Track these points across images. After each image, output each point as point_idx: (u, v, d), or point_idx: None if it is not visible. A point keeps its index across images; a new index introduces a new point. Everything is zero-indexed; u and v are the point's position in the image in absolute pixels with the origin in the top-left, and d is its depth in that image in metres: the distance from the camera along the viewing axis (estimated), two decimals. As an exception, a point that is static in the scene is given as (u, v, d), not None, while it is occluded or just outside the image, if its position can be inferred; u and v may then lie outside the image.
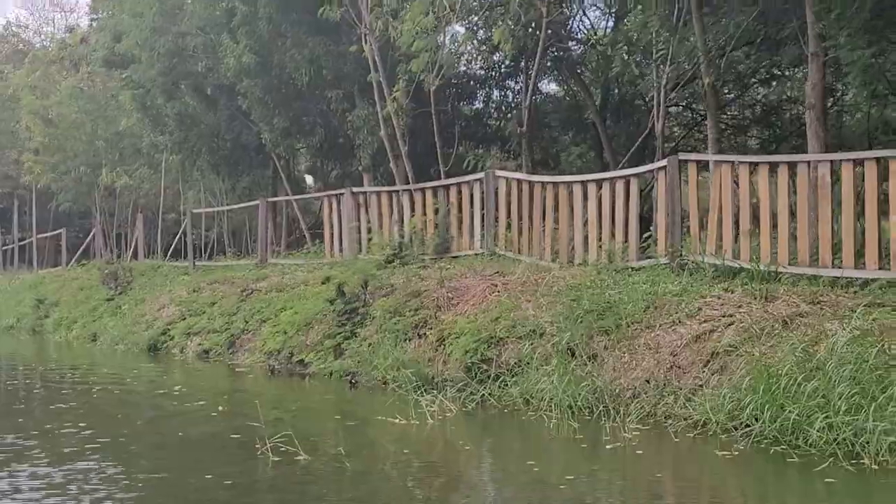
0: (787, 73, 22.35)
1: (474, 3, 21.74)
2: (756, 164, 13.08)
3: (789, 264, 12.20)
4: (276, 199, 26.57)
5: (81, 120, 34.49)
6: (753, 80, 23.43)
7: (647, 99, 23.15)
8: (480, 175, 17.48)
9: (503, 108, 27.40)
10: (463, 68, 25.87)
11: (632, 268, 13.87)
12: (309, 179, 24.01)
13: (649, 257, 14.05)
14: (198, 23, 26.08)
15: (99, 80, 35.52)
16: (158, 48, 26.44)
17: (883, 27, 14.61)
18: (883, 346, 8.84)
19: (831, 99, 20.24)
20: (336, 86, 24.06)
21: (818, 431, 8.33)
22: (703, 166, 13.94)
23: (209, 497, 8.01)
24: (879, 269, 11.29)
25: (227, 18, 24.57)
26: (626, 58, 20.28)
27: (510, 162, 25.51)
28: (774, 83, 23.70)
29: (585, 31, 25.34)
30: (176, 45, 26.32)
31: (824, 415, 8.37)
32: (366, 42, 20.73)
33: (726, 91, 24.13)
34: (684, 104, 25.23)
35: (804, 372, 8.96)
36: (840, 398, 8.38)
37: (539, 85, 27.26)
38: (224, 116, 27.32)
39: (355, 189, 20.75)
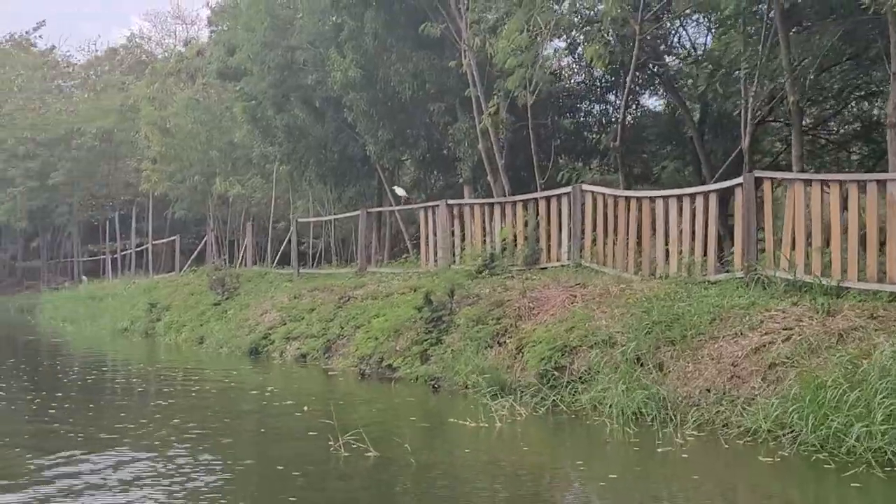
0: (885, 89, 22.40)
1: (573, 19, 22.16)
2: (828, 182, 13.34)
3: (858, 280, 12.47)
4: (376, 209, 27.31)
5: (197, 130, 35.76)
6: (854, 95, 23.48)
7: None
8: (568, 189, 17.98)
9: (603, 121, 27.75)
10: (563, 83, 26.33)
11: (709, 281, 14.23)
12: (399, 191, 24.66)
13: (727, 271, 14.40)
14: (307, 37, 26.97)
15: (214, 92, 36.74)
16: (269, 62, 27.36)
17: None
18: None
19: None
20: (438, 99, 24.74)
21: (856, 440, 8.70)
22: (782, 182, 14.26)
23: (284, 485, 8.74)
24: (944, 286, 11.55)
25: (334, 33, 25.39)
26: (711, 76, 20.51)
27: (609, 176, 25.86)
28: (877, 100, 23.72)
29: (685, 47, 25.58)
30: (286, 58, 27.20)
31: (863, 424, 8.72)
32: (465, 58, 21.39)
33: (827, 107, 24.26)
34: (783, 120, 25.31)
35: (849, 383, 9.31)
36: (879, 408, 8.73)
37: (639, 99, 27.66)
38: (331, 128, 28.13)
39: (450, 201, 21.39)
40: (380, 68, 24.77)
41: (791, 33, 18.02)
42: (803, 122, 25.11)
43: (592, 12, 21.06)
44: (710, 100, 24.42)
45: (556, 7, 21.25)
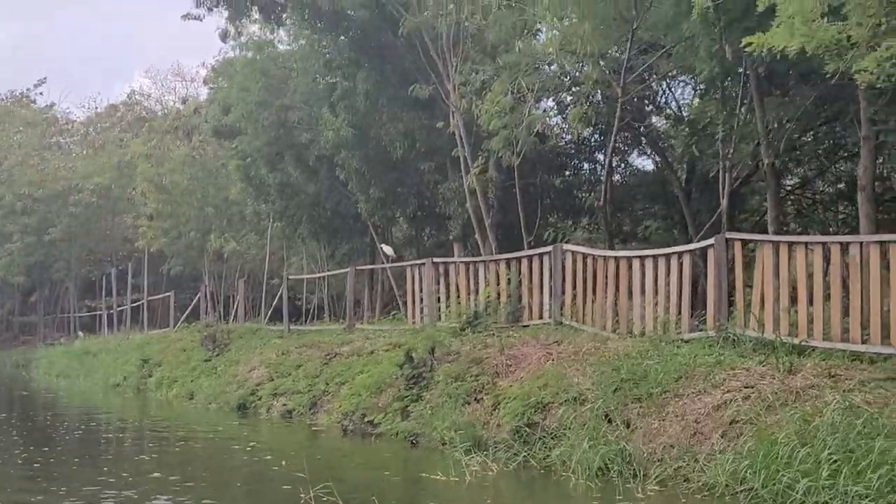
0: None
1: (562, 80, 22.60)
2: (794, 243, 13.70)
3: (823, 339, 12.81)
4: (365, 267, 27.65)
5: (193, 187, 36.18)
6: (837, 156, 23.88)
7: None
8: (549, 248, 18.33)
9: (592, 180, 28.14)
10: (551, 142, 26.77)
11: (683, 339, 14.55)
12: (387, 250, 25.04)
13: (700, 330, 14.72)
14: (300, 97, 27.46)
15: (210, 149, 37.14)
16: (263, 120, 27.76)
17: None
18: (872, 416, 9.44)
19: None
20: (429, 158, 25.23)
21: (802, 495, 8.99)
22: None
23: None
24: (903, 345, 11.88)
25: (327, 93, 25.85)
26: (689, 137, 20.94)
27: (597, 234, 26.22)
28: (857, 161, 24.11)
29: (671, 107, 26.01)
30: (279, 117, 27.58)
31: (809, 479, 9.01)
32: (452, 118, 21.87)
33: (811, 167, 24.68)
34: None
35: (801, 439, 9.61)
36: (826, 464, 9.03)
37: (628, 158, 28.11)
38: (324, 186, 28.50)
39: (436, 259, 21.77)
40: (371, 127, 25.27)
41: (768, 97, 18.51)
42: (789, 183, 25.65)
43: (578, 73, 21.52)
44: (695, 160, 24.86)
45: (547, 69, 21.77)
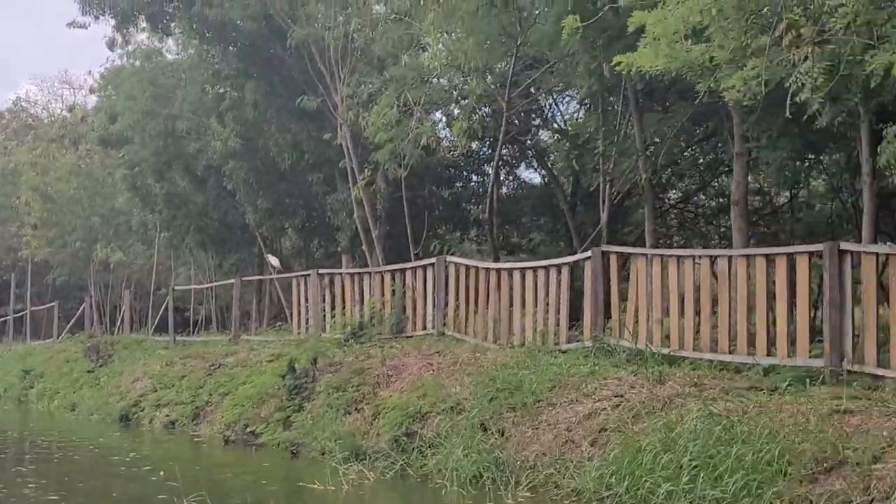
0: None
1: (451, 94, 22.85)
2: (666, 256, 14.11)
3: (693, 349, 13.24)
4: (251, 278, 27.56)
5: (79, 196, 35.61)
6: (719, 170, 24.48)
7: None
8: (433, 260, 18.55)
9: (480, 192, 28.43)
10: (440, 154, 26.97)
11: (560, 350, 14.87)
12: (273, 261, 25.04)
13: (578, 340, 15.04)
14: (189, 107, 27.27)
15: (97, 158, 36.65)
16: (150, 130, 27.46)
17: (798, 131, 15.65)
18: (731, 423, 9.80)
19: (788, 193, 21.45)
20: (317, 169, 25.30)
21: (662, 499, 9.30)
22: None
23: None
24: (767, 355, 12.33)
25: (216, 103, 25.75)
26: (570, 151, 21.36)
27: (484, 246, 26.50)
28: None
29: (556, 122, 26.40)
30: (167, 127, 27.30)
31: (670, 484, 9.33)
32: (340, 130, 21.98)
33: (693, 183, 25.27)
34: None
35: (664, 446, 9.93)
36: (685, 469, 9.36)
37: (516, 171, 28.45)
38: (212, 196, 28.35)
39: (322, 270, 21.86)
40: (260, 138, 25.27)
41: (648, 113, 18.99)
42: (673, 196, 26.23)
43: (465, 87, 21.76)
44: (578, 173, 25.30)
45: (435, 82, 21.99)
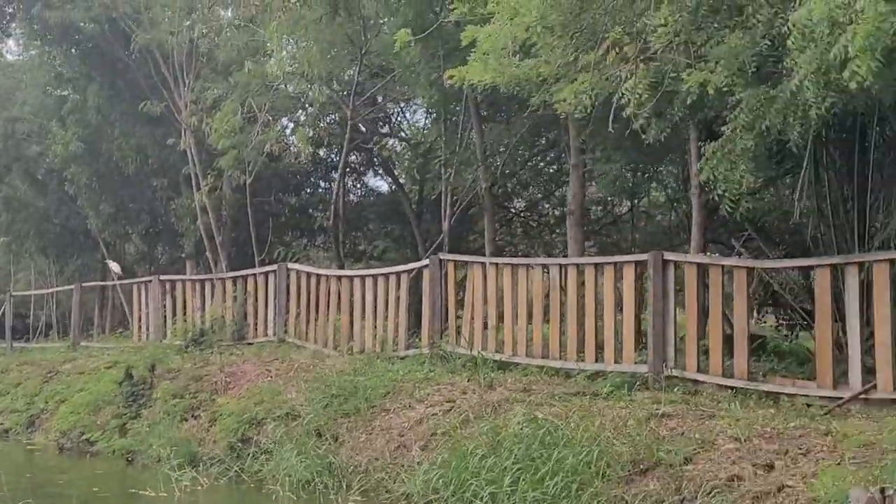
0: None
1: (290, 102, 22.81)
2: (501, 265, 14.43)
3: (526, 355, 13.58)
4: (91, 283, 27.06)
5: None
6: (561, 180, 24.96)
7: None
8: (274, 267, 18.57)
9: (327, 199, 28.45)
10: (286, 161, 26.92)
11: (399, 357, 15.07)
12: (114, 266, 24.66)
13: (416, 347, 15.26)
14: (30, 109, 26.75)
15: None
16: (-12, 132, 26.93)
17: (631, 144, 16.15)
18: (554, 427, 10.11)
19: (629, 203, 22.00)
20: (162, 174, 25.10)
21: (486, 501, 9.55)
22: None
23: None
24: (595, 361, 12.73)
25: (58, 106, 25.37)
26: (413, 160, 21.63)
27: (331, 253, 26.52)
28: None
29: (404, 130, 26.62)
30: (6, 129, 26.65)
31: (493, 486, 9.59)
32: (184, 135, 21.81)
33: (537, 192, 25.74)
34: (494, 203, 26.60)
35: (490, 450, 10.19)
36: (508, 473, 9.62)
37: (364, 178, 28.55)
38: (53, 200, 27.83)
39: (163, 277, 21.64)
40: (103, 142, 24.95)
41: (491, 123, 19.36)
42: (519, 205, 26.66)
43: (311, 94, 21.80)
44: (423, 182, 25.55)
45: (283, 88, 21.94)
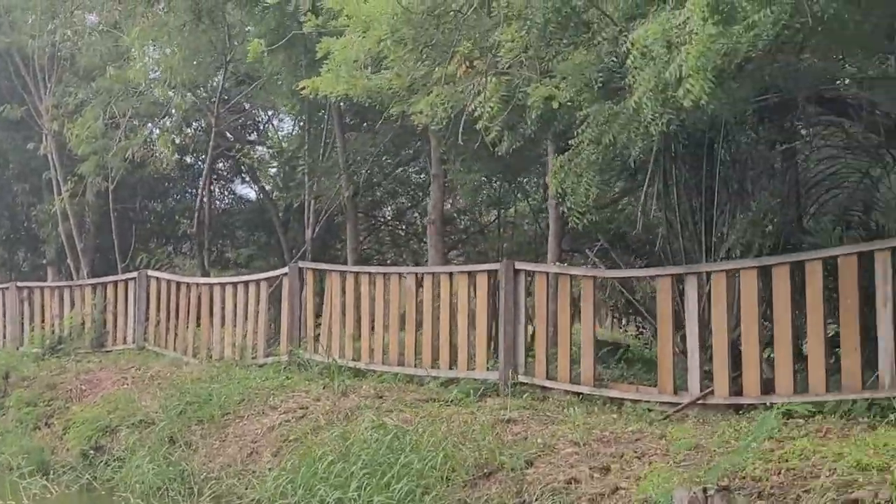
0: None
1: (154, 108, 22.60)
2: (359, 273, 14.61)
3: (382, 363, 13.77)
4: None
5: None
6: (428, 190, 25.17)
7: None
8: (134, 274, 18.45)
9: (195, 206, 28.21)
10: (153, 167, 26.65)
11: (257, 364, 15.14)
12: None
13: (275, 355, 15.33)
14: None
15: None
16: None
17: (489, 156, 16.46)
18: (402, 432, 10.31)
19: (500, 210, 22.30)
20: (23, 179, 24.64)
21: (331, 507, 9.73)
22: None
23: None
24: (449, 368, 12.98)
25: None
26: (278, 170, 21.69)
27: (195, 260, 26.34)
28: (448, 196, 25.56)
29: (270, 137, 26.55)
30: None
31: (340, 492, 9.74)
32: (45, 140, 21.51)
33: (404, 201, 25.97)
34: (362, 212, 26.72)
35: (339, 456, 10.34)
36: (354, 478, 9.78)
37: (232, 186, 28.43)
38: None
39: (20, 284, 21.24)
40: (-40, 146, 24.42)
41: (356, 133, 19.52)
42: (388, 213, 26.82)
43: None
44: (289, 189, 25.56)
45: (147, 94, 21.74)
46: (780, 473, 7.96)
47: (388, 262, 24.83)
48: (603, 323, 24.24)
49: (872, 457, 7.87)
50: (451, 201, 23.22)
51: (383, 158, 20.90)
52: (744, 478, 7.94)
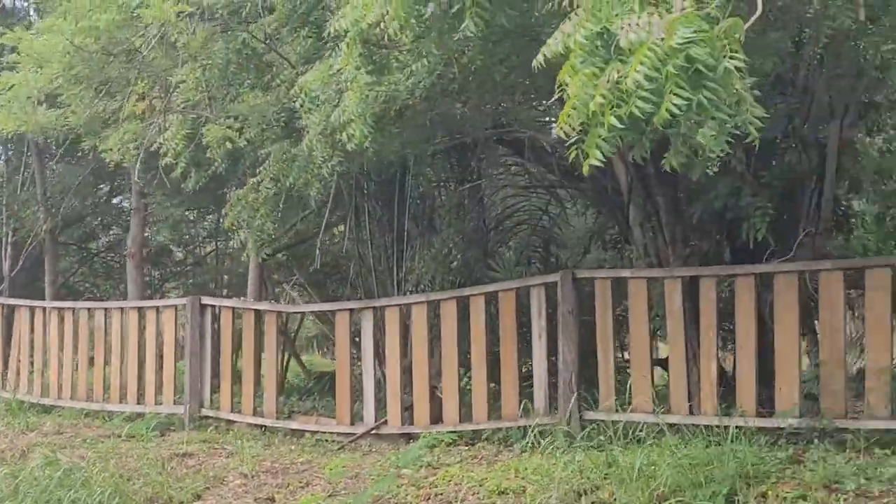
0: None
1: None
2: (47, 309, 14.48)
3: (71, 399, 13.69)
4: None
5: None
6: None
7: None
8: None
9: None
10: None
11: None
12: None
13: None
14: None
15: None
16: None
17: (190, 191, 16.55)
18: (75, 468, 10.31)
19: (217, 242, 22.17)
20: None
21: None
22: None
23: None
24: (137, 403, 13.04)
25: None
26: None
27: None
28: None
29: None
30: None
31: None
32: None
33: (122, 233, 25.52)
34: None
35: (10, 493, 10.23)
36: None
37: None
38: None
39: None
40: None
41: (58, 163, 19.18)
42: (99, 245, 26.27)
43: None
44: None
45: None
46: (429, 499, 8.48)
47: (101, 295, 24.37)
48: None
49: (512, 480, 8.50)
50: (166, 233, 23.00)
51: (92, 190, 20.56)
52: (396, 503, 8.42)
